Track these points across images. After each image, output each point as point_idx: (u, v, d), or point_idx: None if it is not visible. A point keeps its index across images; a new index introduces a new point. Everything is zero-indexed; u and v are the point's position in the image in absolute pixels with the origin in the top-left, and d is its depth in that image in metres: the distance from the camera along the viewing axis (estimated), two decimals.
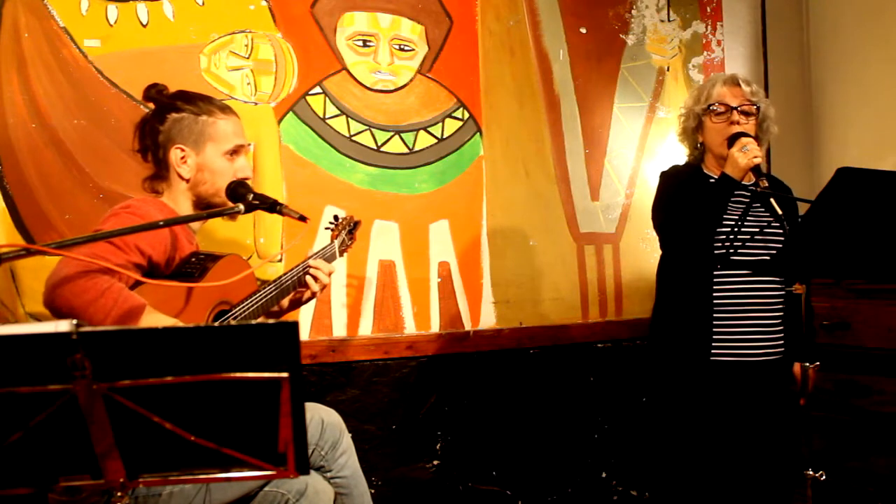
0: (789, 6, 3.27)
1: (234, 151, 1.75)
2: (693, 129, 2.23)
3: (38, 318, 2.08)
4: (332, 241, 2.05)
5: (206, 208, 1.73)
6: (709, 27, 3.11)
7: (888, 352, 2.32)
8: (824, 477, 2.11)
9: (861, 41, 3.02)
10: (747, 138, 2.05)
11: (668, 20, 3.04)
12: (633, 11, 2.98)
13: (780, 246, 2.09)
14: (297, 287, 1.88)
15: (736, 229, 2.09)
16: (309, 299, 1.94)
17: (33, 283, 2.07)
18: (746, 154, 2.00)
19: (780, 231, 2.10)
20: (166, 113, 1.71)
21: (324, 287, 1.89)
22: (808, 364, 2.14)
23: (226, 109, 1.77)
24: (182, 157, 1.70)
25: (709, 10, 3.12)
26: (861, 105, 3.03)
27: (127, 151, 2.10)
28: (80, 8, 2.16)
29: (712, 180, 2.17)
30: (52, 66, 2.13)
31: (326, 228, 2.16)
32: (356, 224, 2.20)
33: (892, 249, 1.49)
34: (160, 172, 1.74)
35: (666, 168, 2.32)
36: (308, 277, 1.87)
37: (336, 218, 2.17)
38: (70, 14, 2.15)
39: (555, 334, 2.77)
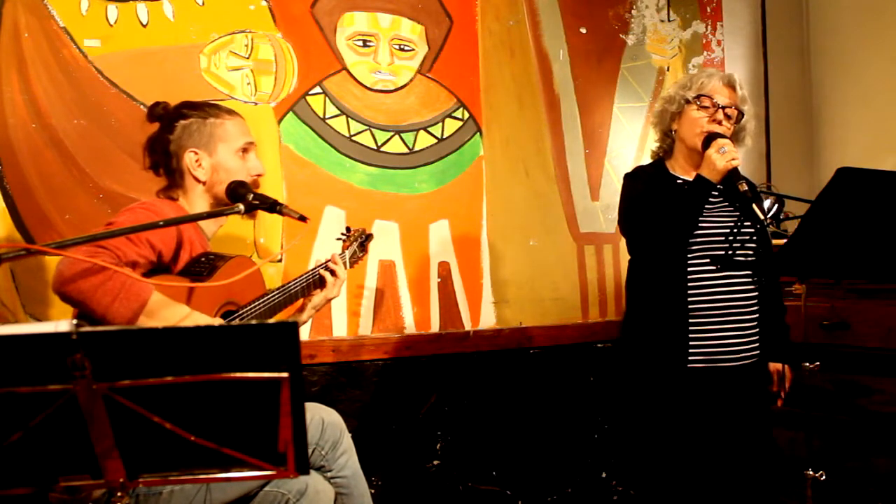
0: (789, 6, 3.28)
1: (245, 149, 1.79)
2: (672, 115, 2.14)
3: (38, 318, 2.08)
4: (342, 252, 2.04)
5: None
6: (709, 27, 3.11)
7: (888, 352, 2.32)
8: (824, 477, 2.11)
9: (861, 41, 3.02)
10: (724, 139, 1.97)
11: (668, 20, 3.04)
12: (633, 11, 2.98)
13: (755, 247, 2.05)
14: (305, 294, 1.90)
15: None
16: (326, 300, 1.96)
17: (33, 283, 2.07)
18: (724, 156, 1.92)
19: (754, 232, 2.05)
20: (174, 122, 1.74)
21: (337, 287, 1.94)
22: (808, 364, 2.13)
23: (231, 111, 1.81)
24: (196, 160, 1.73)
25: (709, 10, 3.12)
26: (861, 105, 3.04)
27: (127, 151, 2.11)
28: (80, 8, 2.16)
29: (679, 181, 2.11)
30: (52, 66, 2.13)
31: (337, 239, 2.15)
32: (368, 237, 2.20)
33: (892, 249, 1.49)
34: (174, 181, 1.76)
35: (628, 171, 2.25)
36: (324, 272, 1.92)
37: (348, 229, 2.16)
38: (70, 14, 2.15)
39: (555, 334, 2.77)
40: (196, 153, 1.72)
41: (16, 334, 0.89)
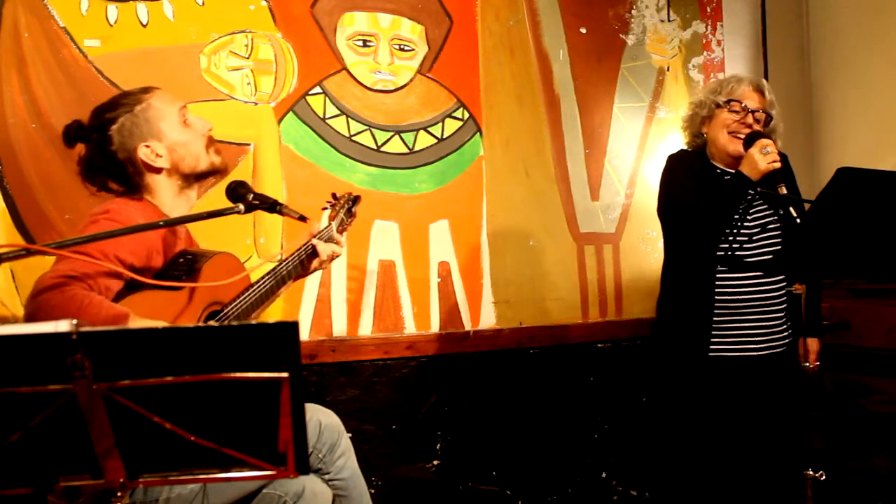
0: (789, 6, 3.27)
1: (183, 115, 1.70)
2: (702, 119, 2.20)
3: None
4: (329, 223, 1.93)
5: (197, 179, 1.70)
6: (709, 27, 3.11)
7: (888, 352, 2.32)
8: (824, 477, 2.11)
9: (861, 41, 3.02)
10: (767, 139, 2.01)
11: (668, 20, 3.04)
12: (633, 11, 2.98)
13: (781, 244, 2.09)
14: (293, 277, 1.82)
15: (735, 230, 2.08)
16: (314, 270, 1.90)
17: (33, 283, 2.07)
18: (767, 157, 1.96)
19: (779, 230, 2.09)
20: (105, 132, 1.64)
21: (332, 258, 1.87)
22: (808, 364, 2.15)
23: (145, 89, 1.70)
24: (152, 151, 1.65)
25: (709, 10, 3.12)
26: (861, 105, 3.03)
27: None
28: (80, 8, 2.16)
29: (719, 170, 2.16)
30: (52, 66, 2.13)
31: (323, 208, 2.04)
32: (355, 200, 2.08)
33: (892, 249, 1.49)
34: (132, 186, 1.68)
35: (674, 152, 2.27)
36: (317, 241, 1.84)
37: (334, 196, 2.05)
38: (70, 14, 2.15)
39: (555, 334, 2.76)
40: (148, 146, 1.64)
41: (16, 334, 0.89)
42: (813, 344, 2.18)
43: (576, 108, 2.86)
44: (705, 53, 3.10)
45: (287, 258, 1.82)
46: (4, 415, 0.95)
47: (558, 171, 2.82)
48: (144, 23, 2.23)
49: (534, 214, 2.77)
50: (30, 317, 1.40)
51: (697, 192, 2.07)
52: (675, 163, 2.21)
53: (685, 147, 2.31)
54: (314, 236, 1.88)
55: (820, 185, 1.51)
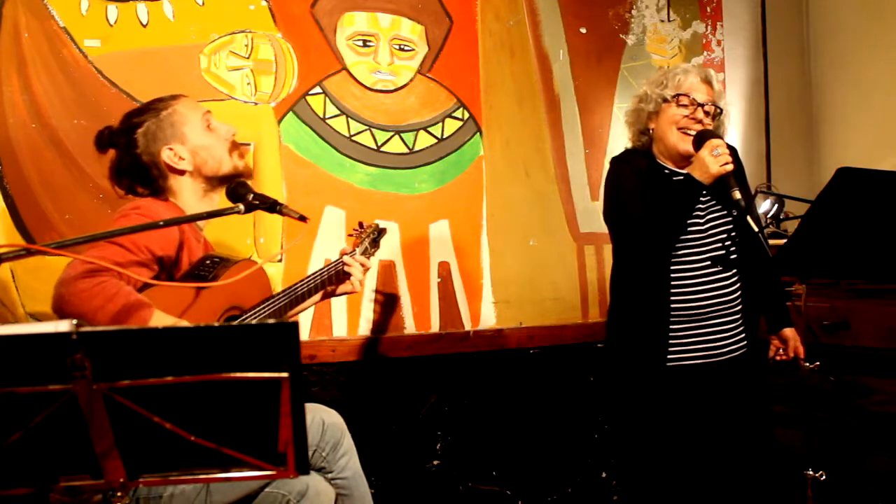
0: (789, 6, 3.28)
1: (207, 121, 1.74)
2: (648, 114, 2.06)
3: (38, 318, 2.08)
4: (352, 249, 1.95)
5: (221, 183, 1.73)
6: (709, 27, 3.11)
7: (888, 352, 2.32)
8: (824, 477, 2.11)
9: (861, 41, 3.02)
10: (717, 140, 1.89)
11: (668, 20, 3.04)
12: (633, 11, 2.98)
13: (730, 243, 2.02)
14: (311, 295, 1.87)
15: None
16: (343, 293, 1.94)
17: (33, 282, 2.07)
18: (718, 159, 1.85)
19: (749, 241, 2.01)
20: (132, 136, 1.69)
21: (361, 283, 1.91)
22: (808, 364, 2.14)
23: (174, 96, 1.76)
24: (175, 154, 1.69)
25: (709, 10, 3.12)
26: (861, 105, 3.03)
27: None
28: (80, 8, 2.16)
29: (667, 171, 2.06)
30: (52, 66, 2.13)
31: (350, 235, 2.07)
32: (381, 231, 2.11)
33: (892, 249, 1.50)
34: (157, 188, 1.72)
35: (617, 154, 2.18)
36: (349, 269, 1.89)
37: (360, 225, 2.07)
38: (70, 14, 2.15)
39: (555, 334, 2.76)
40: (171, 149, 1.69)
41: (16, 334, 0.89)
42: (789, 332, 2.09)
43: (576, 108, 2.86)
44: (705, 53, 3.10)
45: (306, 278, 1.85)
46: (4, 415, 0.95)
47: (558, 171, 2.82)
48: (144, 23, 2.23)
49: (534, 214, 2.77)
50: (59, 298, 1.42)
51: (647, 198, 1.96)
52: (621, 167, 2.09)
53: (628, 145, 2.19)
54: (342, 255, 1.91)
55: (820, 186, 1.51)
